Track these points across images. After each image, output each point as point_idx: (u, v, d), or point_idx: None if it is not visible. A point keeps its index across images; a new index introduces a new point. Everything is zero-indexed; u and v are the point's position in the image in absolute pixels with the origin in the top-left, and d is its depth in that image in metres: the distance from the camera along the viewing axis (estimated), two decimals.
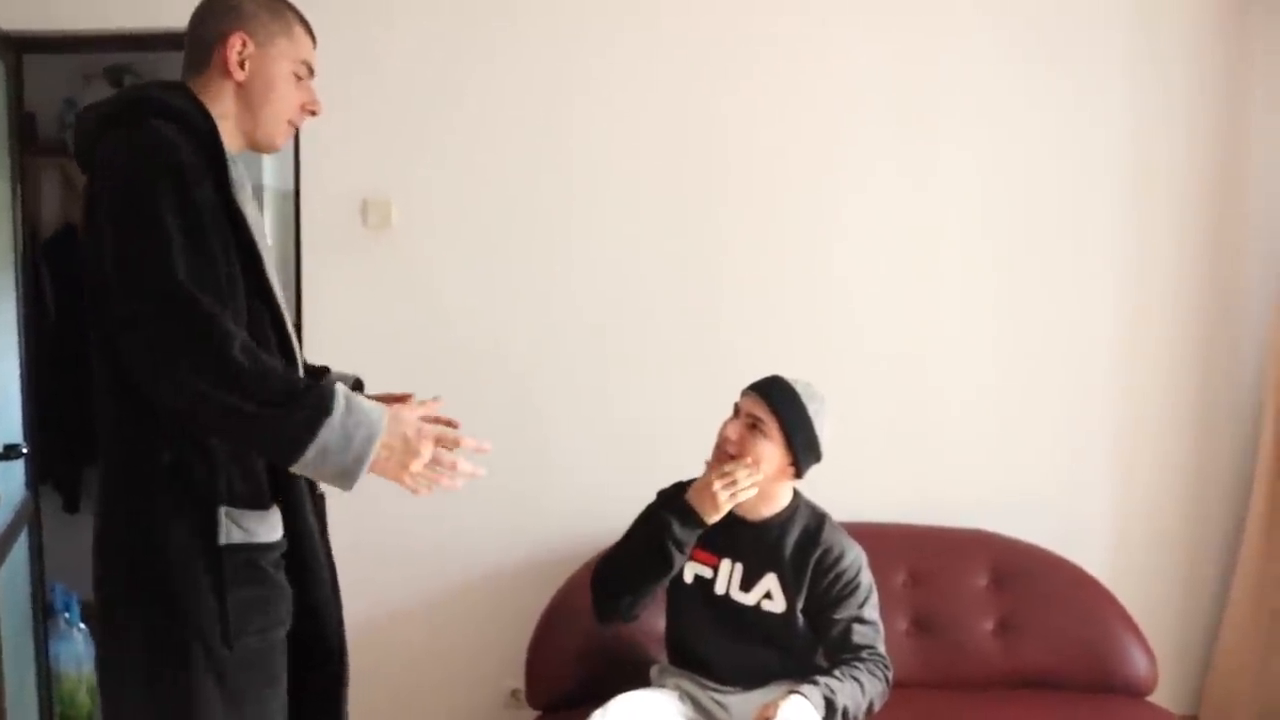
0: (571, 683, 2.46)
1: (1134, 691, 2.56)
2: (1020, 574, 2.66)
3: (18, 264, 2.83)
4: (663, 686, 2.23)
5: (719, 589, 2.14)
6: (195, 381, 1.41)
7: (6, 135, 2.77)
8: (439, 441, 1.58)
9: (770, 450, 2.08)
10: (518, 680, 2.67)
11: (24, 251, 2.91)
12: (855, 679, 2.02)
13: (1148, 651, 2.58)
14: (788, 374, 2.15)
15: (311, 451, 1.42)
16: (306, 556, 1.67)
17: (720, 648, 2.16)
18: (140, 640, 1.54)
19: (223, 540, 1.52)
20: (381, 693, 2.85)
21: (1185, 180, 2.79)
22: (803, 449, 2.08)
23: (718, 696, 2.18)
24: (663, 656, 2.32)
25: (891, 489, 2.84)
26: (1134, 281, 2.83)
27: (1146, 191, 2.80)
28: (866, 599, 2.13)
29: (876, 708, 2.06)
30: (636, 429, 2.86)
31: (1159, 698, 2.61)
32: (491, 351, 2.86)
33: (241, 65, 1.62)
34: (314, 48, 1.71)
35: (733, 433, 2.10)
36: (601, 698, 2.11)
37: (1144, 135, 2.79)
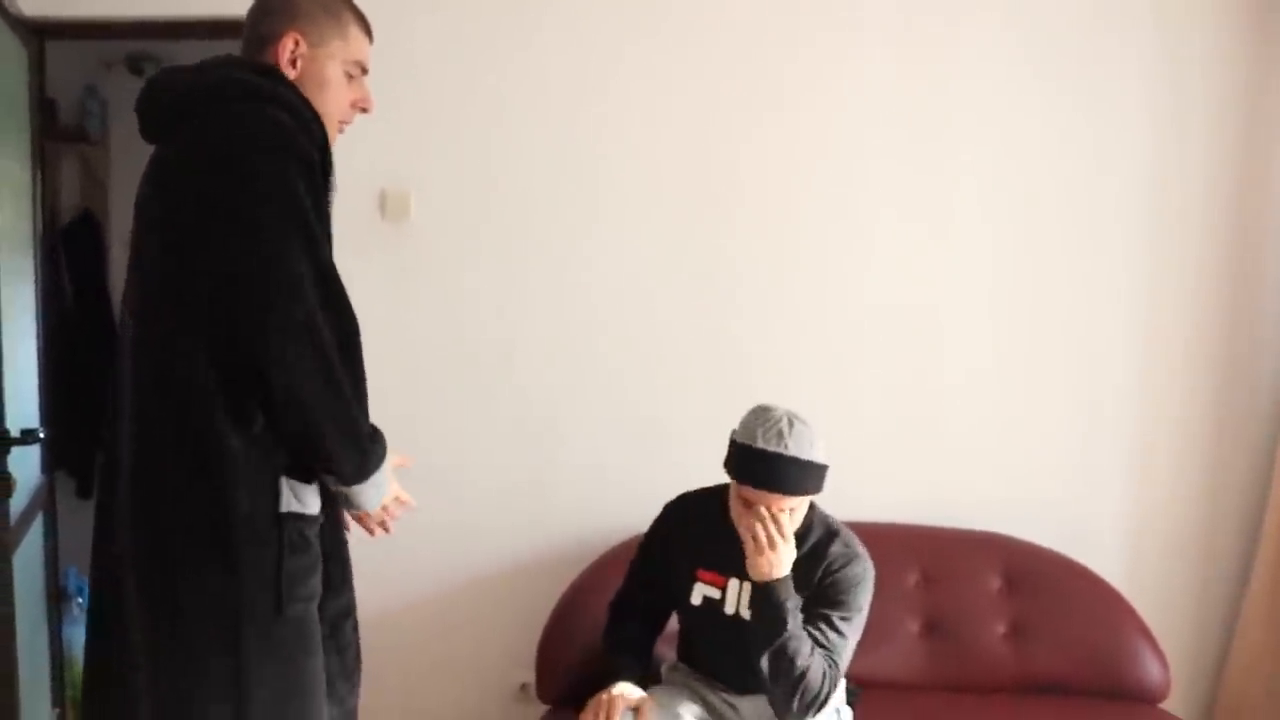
0: (581, 677, 2.43)
1: (1146, 698, 2.54)
2: (1033, 577, 2.64)
3: (37, 249, 2.84)
4: (673, 684, 2.23)
5: (728, 609, 2.09)
6: (341, 386, 1.54)
7: (28, 121, 2.78)
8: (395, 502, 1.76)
9: (801, 514, 2.02)
10: (528, 674, 2.67)
11: (42, 237, 2.92)
12: (814, 648, 1.96)
13: (1161, 658, 2.56)
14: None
15: (370, 480, 1.64)
16: (339, 531, 1.76)
17: (731, 664, 2.12)
18: (196, 608, 1.56)
19: (284, 508, 1.58)
20: (392, 685, 2.86)
21: (1205, 182, 2.77)
22: (819, 484, 2.00)
23: (728, 698, 2.17)
24: (672, 654, 2.32)
25: (903, 489, 2.82)
26: (1152, 282, 2.80)
27: (1165, 193, 2.78)
28: (848, 615, 2.03)
29: (810, 684, 1.94)
30: (650, 426, 2.86)
31: (1171, 705, 2.60)
32: (507, 346, 2.86)
33: (294, 64, 1.65)
34: (370, 44, 1.74)
35: (761, 533, 1.96)
36: None
37: (1162, 140, 2.76)
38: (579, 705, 2.12)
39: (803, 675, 1.94)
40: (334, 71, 1.68)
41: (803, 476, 1.96)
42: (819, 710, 2.00)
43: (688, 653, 2.26)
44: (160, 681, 1.59)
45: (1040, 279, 2.82)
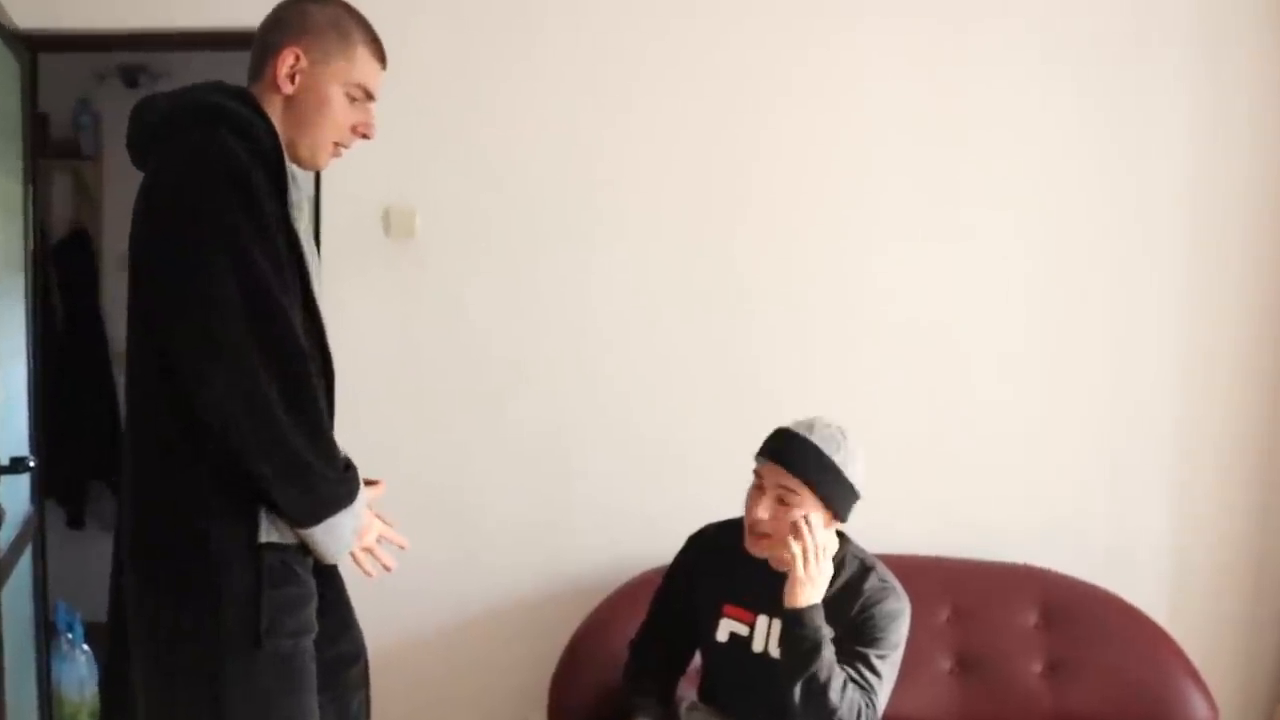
0: (595, 716, 2.35)
1: None
2: (1070, 611, 2.54)
3: (28, 267, 2.76)
4: None
5: (756, 647, 2.00)
6: (270, 411, 1.48)
7: (20, 136, 2.70)
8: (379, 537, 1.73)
9: (805, 510, 1.92)
10: (540, 713, 2.56)
11: (34, 255, 2.82)
12: (848, 678, 1.88)
13: (1207, 696, 2.45)
14: (808, 408, 2.02)
15: (323, 525, 1.55)
16: (331, 569, 1.70)
17: (756, 705, 2.01)
18: (175, 636, 1.55)
19: (262, 538, 1.54)
20: None
21: (1249, 193, 2.67)
22: (839, 500, 1.93)
23: None
24: (691, 692, 2.21)
25: (930, 519, 2.72)
26: (1197, 301, 2.70)
27: (1208, 206, 2.68)
28: (884, 653, 1.94)
29: (844, 717, 1.85)
30: (664, 450, 2.76)
31: None
32: (515, 369, 2.77)
33: (291, 79, 1.63)
34: (382, 69, 1.70)
35: (764, 512, 1.92)
36: None
37: (1199, 149, 2.67)
38: None
39: (835, 710, 1.85)
40: (334, 91, 1.65)
41: (815, 465, 1.90)
42: None
43: (710, 693, 2.16)
44: (149, 709, 1.60)
45: (1070, 293, 2.72)
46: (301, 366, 1.54)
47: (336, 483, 1.56)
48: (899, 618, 1.97)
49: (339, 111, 1.65)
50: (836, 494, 1.92)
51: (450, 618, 2.80)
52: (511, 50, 2.73)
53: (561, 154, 2.74)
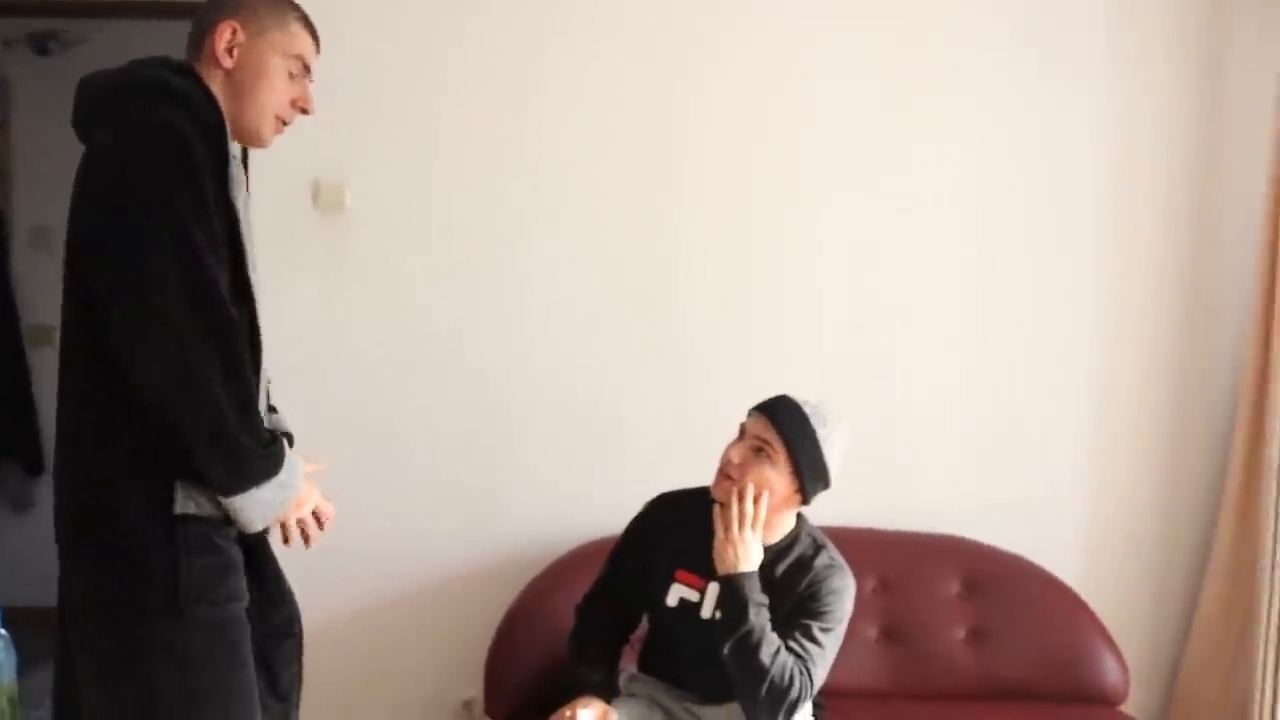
0: (533, 692, 2.34)
1: (1107, 700, 2.53)
2: (992, 581, 2.61)
3: None
4: (633, 695, 2.14)
5: (704, 613, 2.02)
6: (207, 386, 1.49)
7: None
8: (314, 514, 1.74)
9: (776, 477, 1.96)
10: (474, 689, 2.56)
11: None
12: (781, 645, 1.92)
13: (1120, 659, 2.56)
14: (793, 389, 2.05)
15: (242, 495, 1.56)
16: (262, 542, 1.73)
17: (699, 669, 2.05)
18: (103, 613, 1.58)
19: (177, 510, 1.55)
20: (328, 701, 2.70)
21: (1166, 182, 2.77)
22: (809, 475, 1.97)
23: (692, 706, 2.10)
24: (630, 665, 2.22)
25: (861, 493, 2.71)
26: (1112, 285, 2.79)
27: (1127, 194, 2.77)
28: (828, 626, 1.99)
29: (763, 687, 1.89)
30: (602, 426, 2.76)
31: (1129, 706, 2.59)
32: (451, 345, 2.75)
33: (230, 53, 1.64)
34: (315, 49, 1.73)
35: (736, 455, 1.98)
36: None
37: (1125, 136, 2.75)
38: None
39: (765, 671, 1.89)
40: (273, 63, 1.67)
41: (796, 425, 1.97)
42: (790, 715, 1.94)
43: (651, 661, 2.18)
44: (89, 686, 1.62)
45: (998, 279, 2.79)
46: (234, 343, 1.55)
47: (261, 457, 1.57)
48: (844, 594, 2.02)
49: (279, 83, 1.67)
50: (807, 465, 1.96)
51: (386, 592, 2.78)
52: (445, 20, 2.69)
53: (500, 129, 2.72)
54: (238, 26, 1.63)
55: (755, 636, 1.90)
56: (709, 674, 2.01)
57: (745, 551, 1.94)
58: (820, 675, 1.98)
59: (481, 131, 2.71)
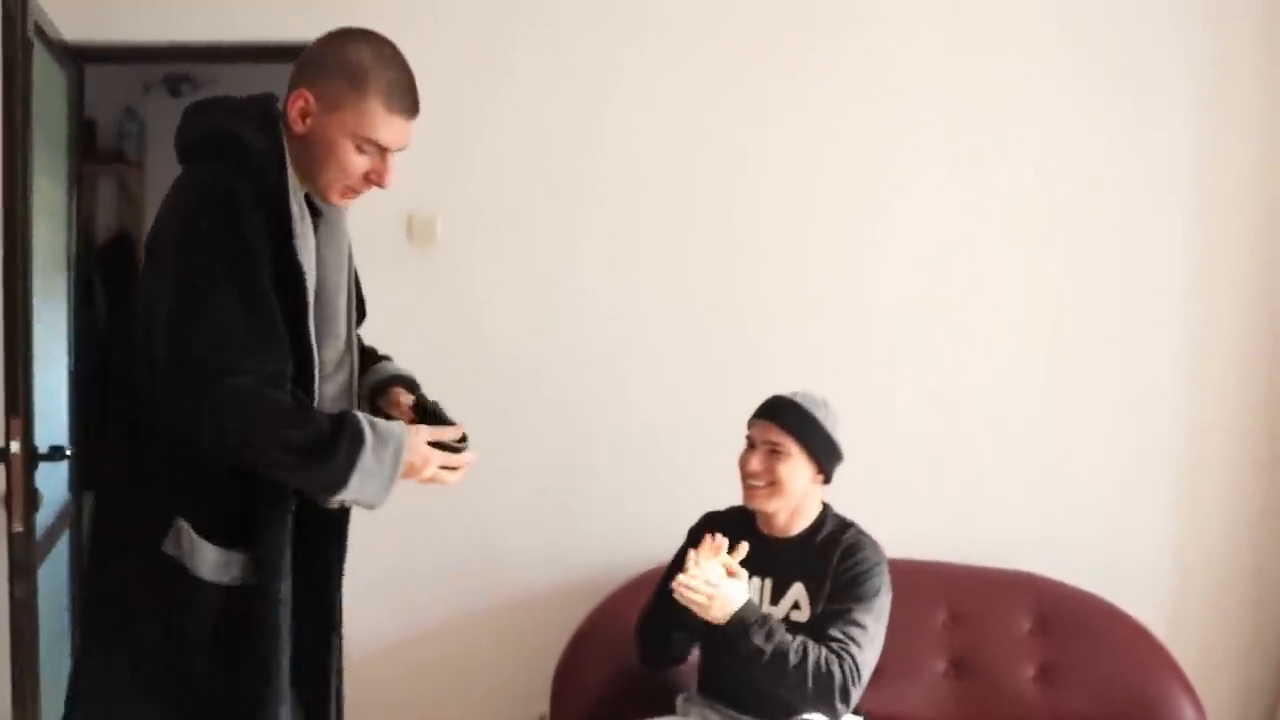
0: (598, 708, 2.43)
1: None
2: (1065, 619, 2.58)
3: (71, 270, 2.87)
4: (687, 715, 2.20)
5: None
6: (244, 452, 1.54)
7: (66, 143, 2.81)
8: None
9: (796, 467, 2.11)
10: (545, 705, 2.63)
11: (78, 257, 2.94)
12: (804, 642, 1.98)
13: (1197, 706, 2.47)
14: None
15: (361, 471, 1.54)
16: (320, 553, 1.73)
17: (747, 685, 2.09)
18: (95, 617, 1.76)
19: (167, 549, 1.60)
20: (403, 714, 2.82)
21: (1254, 202, 2.69)
22: (825, 456, 2.12)
23: None
24: (691, 684, 2.28)
25: (933, 524, 2.77)
26: (1200, 307, 2.72)
27: (1213, 213, 2.71)
28: (866, 599, 2.06)
29: (809, 687, 1.95)
30: (678, 454, 2.83)
31: None
32: (535, 372, 2.85)
33: (302, 120, 1.62)
34: (402, 121, 1.63)
35: (757, 464, 2.12)
36: None
37: (1209, 151, 2.70)
38: None
39: (802, 670, 1.95)
40: (341, 141, 1.61)
41: (798, 419, 2.10)
42: (846, 699, 1.99)
43: (706, 680, 2.23)
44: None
45: (1082, 305, 2.76)
46: (283, 372, 1.57)
47: (331, 445, 1.53)
48: (876, 564, 2.11)
49: (345, 160, 1.62)
50: (820, 446, 2.10)
51: (457, 609, 2.86)
52: (531, 55, 2.79)
53: (584, 158, 2.81)
54: (310, 98, 1.60)
55: (773, 654, 1.96)
56: (753, 684, 2.05)
57: (725, 596, 1.98)
58: (869, 657, 2.03)
59: (566, 163, 2.81)
